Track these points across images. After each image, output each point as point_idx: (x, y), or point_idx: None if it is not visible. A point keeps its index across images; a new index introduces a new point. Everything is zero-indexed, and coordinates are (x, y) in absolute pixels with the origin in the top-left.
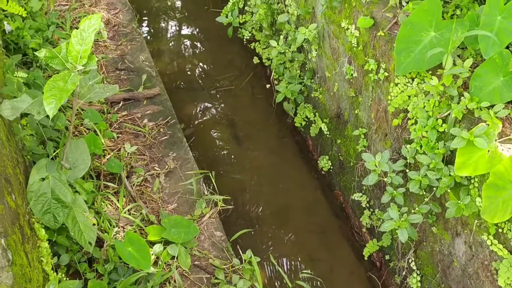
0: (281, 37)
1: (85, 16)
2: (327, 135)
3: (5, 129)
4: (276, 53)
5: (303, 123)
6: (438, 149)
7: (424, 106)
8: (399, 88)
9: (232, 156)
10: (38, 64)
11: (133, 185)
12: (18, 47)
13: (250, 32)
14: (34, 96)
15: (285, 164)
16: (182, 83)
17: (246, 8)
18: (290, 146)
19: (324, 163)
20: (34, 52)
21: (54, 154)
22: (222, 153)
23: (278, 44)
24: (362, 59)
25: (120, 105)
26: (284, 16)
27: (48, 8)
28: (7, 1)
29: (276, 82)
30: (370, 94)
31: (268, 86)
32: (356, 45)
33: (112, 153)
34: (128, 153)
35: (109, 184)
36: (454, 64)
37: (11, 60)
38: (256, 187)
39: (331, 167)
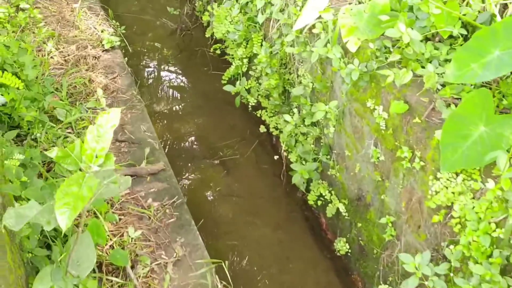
0: (295, 110)
1: (82, 80)
2: (345, 217)
3: (11, 245)
4: (291, 128)
5: (318, 201)
6: (492, 256)
7: (474, 207)
8: (442, 183)
9: (240, 234)
10: (32, 137)
11: (139, 276)
12: (12, 119)
13: (255, 99)
14: (37, 195)
15: (295, 241)
16: (183, 152)
17: (250, 72)
18: (300, 222)
19: (341, 245)
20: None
21: (60, 258)
22: (229, 231)
23: (292, 119)
24: (392, 144)
25: None
26: (299, 89)
27: (43, 72)
28: (2, 72)
29: (285, 153)
30: (401, 181)
31: (276, 157)
32: (384, 128)
33: (114, 239)
34: (132, 238)
35: (112, 278)
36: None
37: (4, 137)
38: (266, 267)
39: (349, 251)
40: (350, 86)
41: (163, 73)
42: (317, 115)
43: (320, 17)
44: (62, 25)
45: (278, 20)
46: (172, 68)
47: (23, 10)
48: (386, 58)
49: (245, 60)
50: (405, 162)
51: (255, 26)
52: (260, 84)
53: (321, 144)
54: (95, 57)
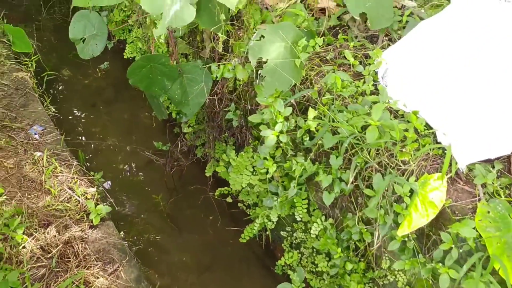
0: None
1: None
2: None
3: None
4: None
5: None
6: None
7: None
8: None
9: None
10: None
11: None
12: None
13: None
14: None
15: None
16: None
17: (282, 232)
18: None
19: None
20: None
21: None
22: None
23: None
24: None
25: None
26: None
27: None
28: None
29: None
30: None
31: None
32: None
33: None
34: None
35: None
36: None
37: None
38: None
39: None
40: None
41: (158, 232)
42: None
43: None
44: (26, 188)
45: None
46: (167, 221)
47: None
48: None
49: (275, 218)
50: None
51: (300, 189)
52: (303, 254)
53: None
54: (83, 240)
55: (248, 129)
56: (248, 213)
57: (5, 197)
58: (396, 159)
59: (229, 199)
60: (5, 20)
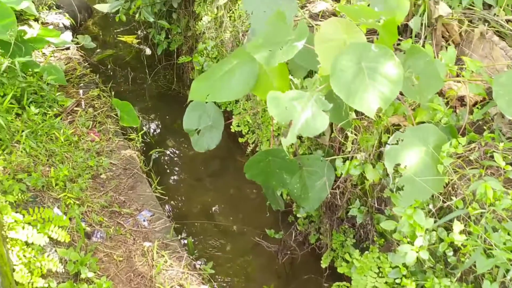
0: None
1: None
2: None
3: None
4: None
5: None
6: None
7: None
8: None
9: None
10: None
11: None
12: None
13: None
14: None
15: None
16: None
17: None
18: None
19: None
20: None
21: None
22: None
23: None
24: None
25: None
26: None
27: None
28: None
29: None
30: None
31: None
32: None
33: None
34: None
35: None
36: None
37: None
38: None
39: None
40: None
41: None
42: None
43: None
44: (136, 285)
45: None
46: None
47: (86, 281)
48: None
49: None
50: None
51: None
52: None
53: None
54: None
55: (372, 224)
56: None
57: None
58: None
59: None
60: (113, 93)
